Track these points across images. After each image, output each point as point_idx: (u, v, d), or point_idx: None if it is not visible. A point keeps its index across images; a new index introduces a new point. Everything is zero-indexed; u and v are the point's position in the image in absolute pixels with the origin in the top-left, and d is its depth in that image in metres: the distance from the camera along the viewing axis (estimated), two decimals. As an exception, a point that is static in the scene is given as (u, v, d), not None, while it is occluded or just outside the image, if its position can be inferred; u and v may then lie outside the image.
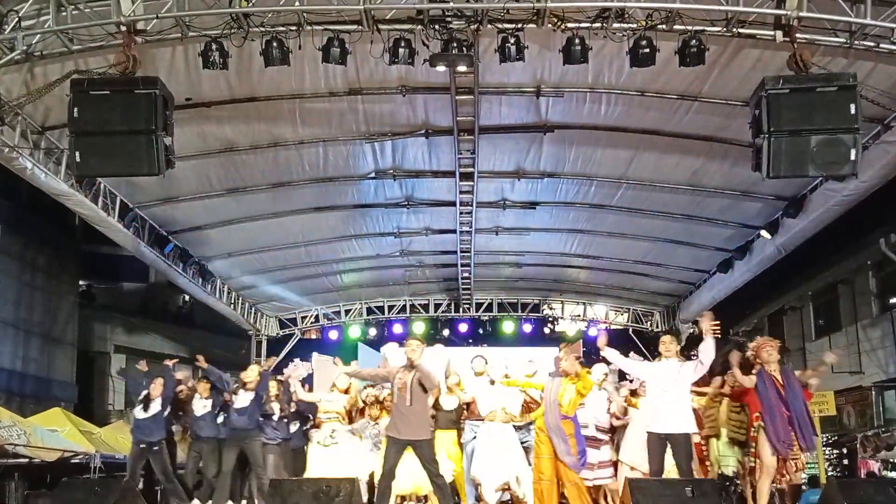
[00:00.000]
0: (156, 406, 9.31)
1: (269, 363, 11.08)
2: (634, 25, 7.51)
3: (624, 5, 7.34)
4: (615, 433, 9.14)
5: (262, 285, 16.22)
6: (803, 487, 8.95)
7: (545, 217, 13.53)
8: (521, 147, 11.12)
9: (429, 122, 10.41)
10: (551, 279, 17.35)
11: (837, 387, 16.39)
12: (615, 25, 7.50)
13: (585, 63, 7.88)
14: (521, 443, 8.79)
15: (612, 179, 11.89)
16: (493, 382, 8.96)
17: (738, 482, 8.67)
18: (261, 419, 9.19)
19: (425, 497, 8.75)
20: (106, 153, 7.15)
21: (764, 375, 7.39)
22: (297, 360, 11.27)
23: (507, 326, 18.66)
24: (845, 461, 17.11)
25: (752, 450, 7.54)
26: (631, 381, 9.38)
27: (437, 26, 7.57)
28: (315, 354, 15.21)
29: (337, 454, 8.90)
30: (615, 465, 8.91)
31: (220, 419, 9.35)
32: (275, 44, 7.53)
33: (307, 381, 10.96)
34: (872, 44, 7.52)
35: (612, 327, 19.25)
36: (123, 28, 7.25)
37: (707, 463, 8.78)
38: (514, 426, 8.82)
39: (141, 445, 9.18)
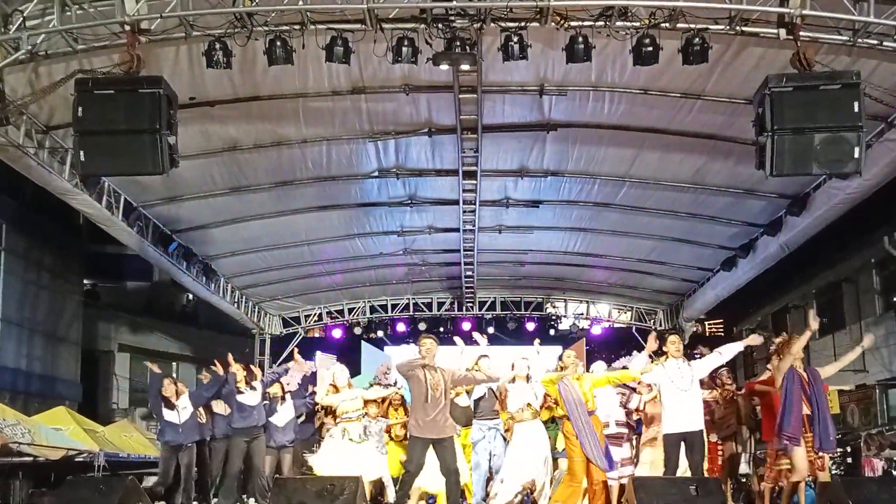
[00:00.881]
0: (188, 409, 9.37)
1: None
2: (637, 24, 7.51)
3: (627, 3, 7.34)
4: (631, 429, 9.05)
5: (265, 283, 16.25)
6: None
7: (548, 215, 13.53)
8: (525, 145, 11.12)
9: (432, 121, 10.42)
10: (554, 277, 17.35)
11: (841, 385, 16.38)
12: (618, 24, 7.50)
13: (588, 61, 7.88)
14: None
15: (616, 178, 11.89)
16: (528, 379, 8.90)
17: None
18: (272, 421, 9.25)
19: (435, 496, 8.80)
20: (110, 152, 7.17)
21: (793, 370, 7.36)
22: (297, 357, 11.27)
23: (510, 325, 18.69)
24: (849, 460, 17.07)
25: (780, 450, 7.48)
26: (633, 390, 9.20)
27: (440, 25, 7.58)
28: (318, 353, 15.27)
29: (365, 451, 8.84)
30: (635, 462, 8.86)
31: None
32: (278, 43, 7.54)
33: (311, 381, 10.96)
34: (876, 42, 7.51)
35: (616, 325, 19.29)
36: (127, 27, 7.26)
37: (719, 463, 8.77)
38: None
39: (175, 447, 9.30)
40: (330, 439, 8.93)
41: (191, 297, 23.84)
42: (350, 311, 18.47)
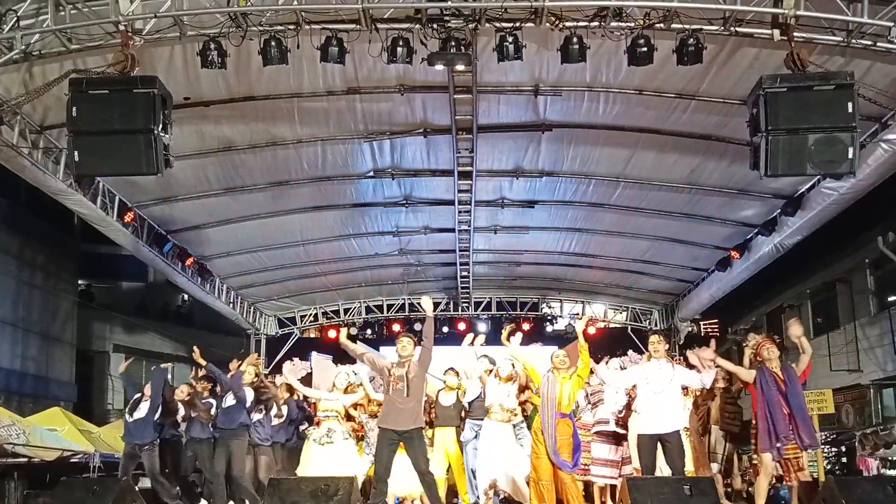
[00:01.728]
0: (143, 409, 9.26)
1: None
2: (632, 24, 7.52)
3: (622, 4, 7.35)
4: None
5: (261, 284, 16.24)
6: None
7: (543, 216, 13.54)
8: (520, 146, 11.13)
9: (427, 121, 10.42)
10: (550, 278, 17.37)
11: (836, 385, 16.42)
12: (613, 24, 7.51)
13: (583, 62, 7.89)
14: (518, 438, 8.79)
15: (611, 178, 11.90)
16: (509, 380, 8.92)
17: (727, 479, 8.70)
18: (253, 420, 9.18)
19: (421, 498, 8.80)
20: (104, 152, 7.16)
21: (765, 372, 7.41)
22: (295, 360, 11.29)
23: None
24: (844, 459, 17.12)
25: (754, 446, 7.56)
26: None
27: (435, 25, 7.58)
28: (314, 354, 15.25)
29: (332, 453, 8.91)
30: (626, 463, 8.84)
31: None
32: (273, 43, 7.53)
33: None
34: (870, 42, 7.53)
35: (611, 326, 19.30)
36: (122, 27, 7.25)
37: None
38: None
39: (132, 447, 9.18)
40: (307, 442, 9.08)
41: (186, 297, 23.82)
42: (345, 311, 18.46)
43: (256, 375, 9.26)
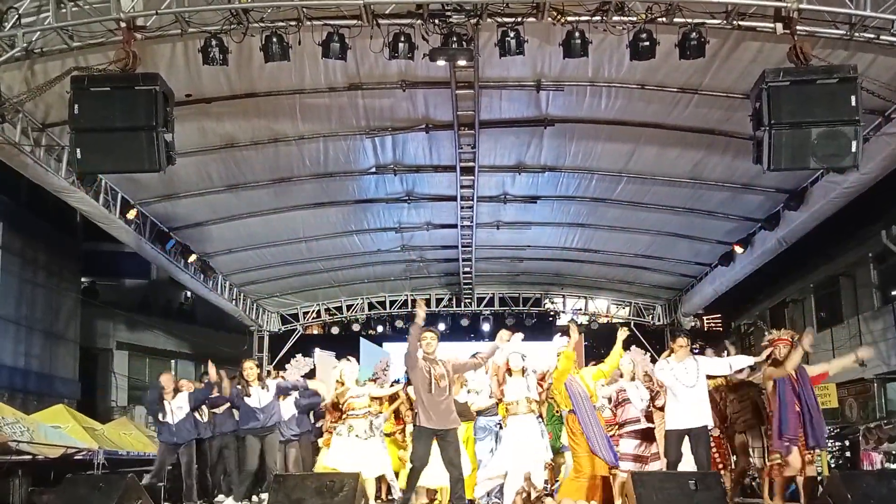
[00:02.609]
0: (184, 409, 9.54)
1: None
2: (634, 18, 7.50)
3: (624, -2, 7.34)
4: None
5: (264, 281, 16.24)
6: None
7: (546, 211, 13.53)
8: (522, 141, 11.11)
9: (429, 117, 10.41)
10: (552, 273, 17.36)
11: (839, 379, 16.40)
12: (615, 18, 7.49)
13: (585, 56, 7.87)
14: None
15: (613, 173, 11.88)
16: (523, 373, 8.88)
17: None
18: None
19: (435, 491, 8.83)
20: (107, 150, 7.15)
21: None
22: (298, 356, 11.30)
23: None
24: (848, 454, 17.12)
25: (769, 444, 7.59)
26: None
27: (436, 20, 7.57)
28: (317, 350, 15.27)
29: (371, 448, 8.83)
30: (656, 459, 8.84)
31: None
32: (274, 39, 7.53)
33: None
34: (873, 35, 7.50)
35: (614, 321, 19.30)
36: (123, 24, 7.24)
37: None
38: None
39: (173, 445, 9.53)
40: (337, 437, 8.95)
41: (189, 294, 23.84)
42: (348, 307, 18.47)
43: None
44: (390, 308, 18.45)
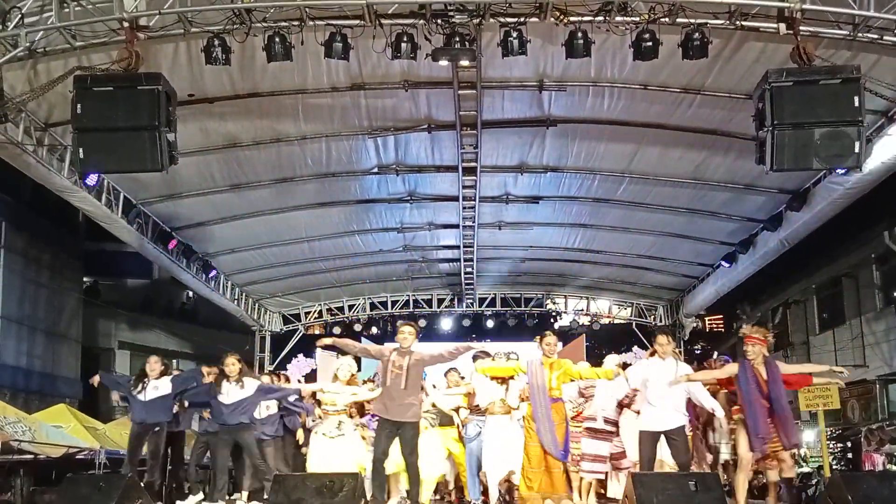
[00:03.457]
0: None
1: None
2: (637, 18, 7.50)
3: (626, -2, 7.34)
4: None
5: (265, 281, 16.25)
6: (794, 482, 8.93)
7: (548, 211, 13.53)
8: (524, 141, 11.11)
9: (431, 117, 10.41)
10: (554, 274, 17.35)
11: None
12: (618, 19, 7.50)
13: (588, 57, 7.86)
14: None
15: (615, 173, 11.88)
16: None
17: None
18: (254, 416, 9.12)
19: (459, 487, 8.91)
20: (109, 149, 7.17)
21: (746, 367, 7.29)
22: (300, 356, 11.28)
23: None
24: (849, 455, 17.11)
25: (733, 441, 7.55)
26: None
27: (439, 20, 7.58)
28: (318, 350, 15.27)
29: (341, 447, 8.84)
30: (618, 458, 8.80)
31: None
32: (277, 39, 7.53)
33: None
34: (876, 36, 7.50)
35: (616, 321, 19.30)
36: (126, 24, 7.24)
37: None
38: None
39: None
40: (314, 436, 9.00)
41: (191, 294, 23.87)
42: (350, 307, 18.47)
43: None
44: (392, 308, 18.45)
